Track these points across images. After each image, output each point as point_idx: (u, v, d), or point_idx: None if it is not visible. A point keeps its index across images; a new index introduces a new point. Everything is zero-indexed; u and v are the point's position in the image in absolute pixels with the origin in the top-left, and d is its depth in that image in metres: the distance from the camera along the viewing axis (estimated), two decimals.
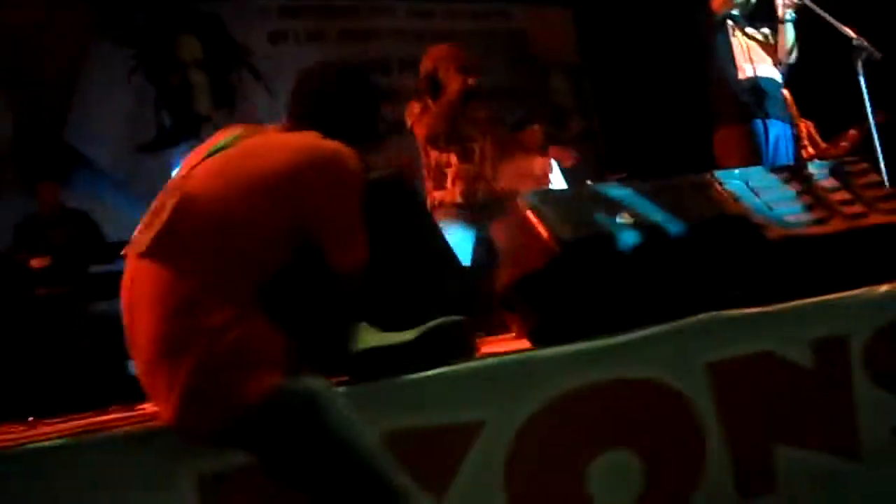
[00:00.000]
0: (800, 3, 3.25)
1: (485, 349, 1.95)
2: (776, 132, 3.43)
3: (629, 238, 1.89)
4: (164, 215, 1.35)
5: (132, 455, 1.43)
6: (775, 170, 2.45)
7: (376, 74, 7.08)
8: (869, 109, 3.16)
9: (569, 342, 1.79)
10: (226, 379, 1.27)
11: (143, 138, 6.34)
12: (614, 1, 7.36)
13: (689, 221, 1.97)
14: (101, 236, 4.45)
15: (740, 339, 1.89)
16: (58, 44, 6.04)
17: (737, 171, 2.41)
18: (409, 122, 3.87)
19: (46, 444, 1.47)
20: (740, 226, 2.05)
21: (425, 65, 3.91)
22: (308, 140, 1.52)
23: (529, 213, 1.89)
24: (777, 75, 3.50)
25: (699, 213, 2.02)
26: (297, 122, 1.63)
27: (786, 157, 3.44)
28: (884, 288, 2.04)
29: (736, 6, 3.41)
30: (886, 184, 2.73)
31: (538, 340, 1.93)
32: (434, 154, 3.84)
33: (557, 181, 5.41)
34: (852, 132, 4.76)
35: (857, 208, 2.29)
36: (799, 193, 2.32)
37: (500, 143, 4.41)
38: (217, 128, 4.71)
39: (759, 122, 3.32)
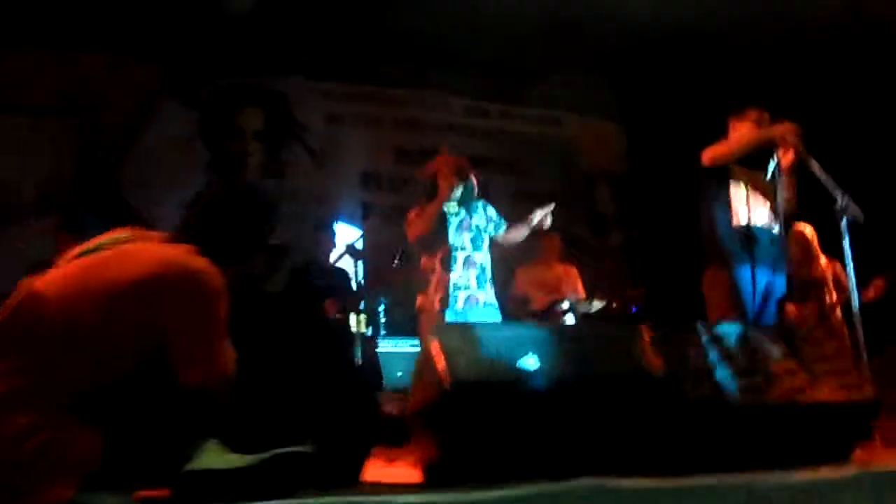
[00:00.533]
0: (799, 157, 3.22)
1: (373, 477, 1.94)
2: (765, 280, 3.35)
3: (530, 383, 1.88)
4: (4, 312, 1.40)
5: None
6: (731, 327, 2.41)
7: (426, 161, 7.32)
8: (851, 271, 3.06)
9: (452, 483, 1.77)
10: (14, 490, 1.28)
11: (188, 197, 6.61)
12: (667, 121, 7.42)
13: (600, 373, 1.95)
14: None
15: None
16: (128, 96, 6.48)
17: (699, 323, 2.37)
18: (405, 228, 3.98)
19: None
20: (653, 384, 2.00)
21: (428, 172, 4.03)
22: (174, 254, 1.58)
23: (434, 345, 1.91)
24: (774, 224, 3.45)
25: (614, 366, 1.99)
26: (181, 233, 1.69)
27: (773, 306, 3.35)
28: (798, 475, 1.94)
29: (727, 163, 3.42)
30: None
31: (429, 475, 1.92)
32: (423, 258, 3.92)
33: (576, 291, 5.39)
34: (879, 281, 4.56)
35: (798, 381, 2.21)
36: (746, 355, 2.26)
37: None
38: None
39: (745, 268, 3.25)
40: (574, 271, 5.47)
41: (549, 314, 4.86)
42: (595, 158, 7.95)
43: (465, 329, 1.96)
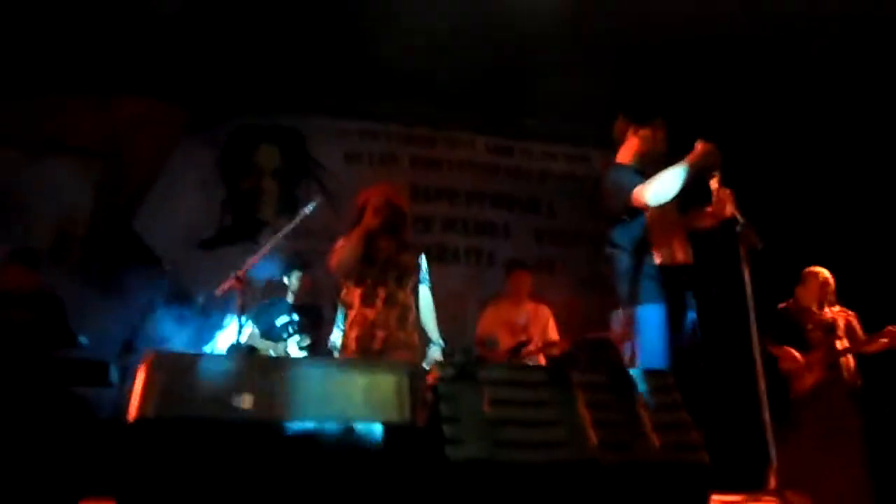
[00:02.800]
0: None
1: None
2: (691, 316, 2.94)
3: (231, 423, 1.61)
4: None
5: None
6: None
7: (441, 203, 7.14)
8: (750, 298, 2.64)
9: None
10: None
11: (203, 235, 6.71)
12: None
13: (325, 422, 1.64)
14: (65, 321, 4.63)
15: None
16: (151, 136, 6.66)
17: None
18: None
19: None
20: (403, 436, 1.68)
21: (359, 200, 3.80)
22: None
23: (140, 375, 1.68)
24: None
25: (352, 414, 1.68)
26: None
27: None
28: None
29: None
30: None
31: None
32: (343, 292, 3.68)
33: (546, 331, 4.99)
34: (892, 328, 4.02)
35: (618, 436, 1.81)
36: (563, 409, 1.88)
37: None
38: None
39: (658, 306, 2.84)
40: (546, 310, 5.07)
41: (514, 356, 4.48)
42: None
43: (183, 360, 1.71)
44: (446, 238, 7.05)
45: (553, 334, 4.97)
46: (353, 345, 3.50)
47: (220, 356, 1.71)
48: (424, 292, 3.83)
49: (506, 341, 4.73)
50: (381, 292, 3.60)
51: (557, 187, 7.38)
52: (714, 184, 2.97)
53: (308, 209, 3.72)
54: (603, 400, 1.86)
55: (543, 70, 6.39)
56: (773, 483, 2.28)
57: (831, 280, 4.49)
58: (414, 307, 3.71)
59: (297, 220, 3.61)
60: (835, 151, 6.19)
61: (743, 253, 2.71)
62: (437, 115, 7.20)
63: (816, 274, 4.53)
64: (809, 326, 4.39)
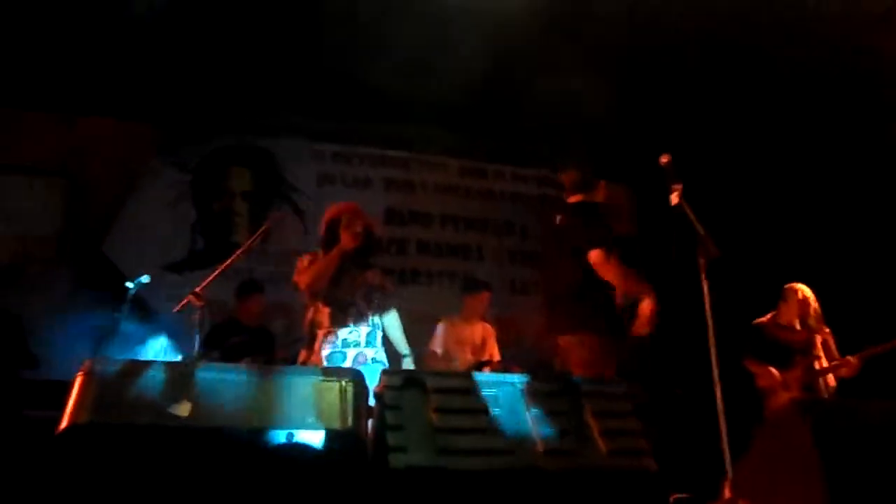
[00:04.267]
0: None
1: None
2: None
3: (172, 431, 1.56)
4: None
5: None
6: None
7: (415, 226, 7.14)
8: (709, 310, 2.64)
9: None
10: None
11: (173, 258, 6.63)
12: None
13: (258, 428, 1.60)
14: (24, 342, 4.55)
15: None
16: (117, 157, 6.59)
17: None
18: (294, 277, 3.72)
19: None
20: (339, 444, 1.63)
21: (325, 217, 3.79)
22: None
23: (78, 379, 1.63)
24: None
25: (282, 421, 1.64)
26: None
27: None
28: None
29: None
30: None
31: None
32: (311, 311, 3.65)
33: (492, 353, 5.01)
34: (851, 359, 4.03)
35: (564, 443, 1.78)
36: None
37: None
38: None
39: None
40: (491, 329, 5.11)
41: None
42: None
43: (118, 368, 1.67)
44: (420, 261, 7.04)
45: (496, 354, 5.00)
46: (323, 364, 3.48)
47: (158, 363, 1.66)
48: (391, 312, 3.83)
49: (464, 359, 4.71)
50: (352, 311, 3.58)
51: (532, 210, 7.40)
52: (675, 198, 2.98)
53: (263, 229, 3.70)
54: (551, 408, 1.83)
55: (521, 98, 6.44)
56: (727, 494, 2.26)
57: (812, 297, 4.45)
58: (381, 323, 3.71)
59: (253, 240, 3.58)
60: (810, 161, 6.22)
61: (702, 263, 2.70)
62: (411, 137, 7.21)
63: (796, 290, 4.48)
64: (787, 344, 4.37)
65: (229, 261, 3.25)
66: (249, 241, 3.61)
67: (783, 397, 4.06)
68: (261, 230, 3.71)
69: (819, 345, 4.37)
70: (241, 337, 4.46)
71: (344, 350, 3.54)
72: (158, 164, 6.73)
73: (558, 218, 3.49)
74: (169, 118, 6.70)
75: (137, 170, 6.67)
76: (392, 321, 3.82)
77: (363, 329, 3.60)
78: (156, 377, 1.64)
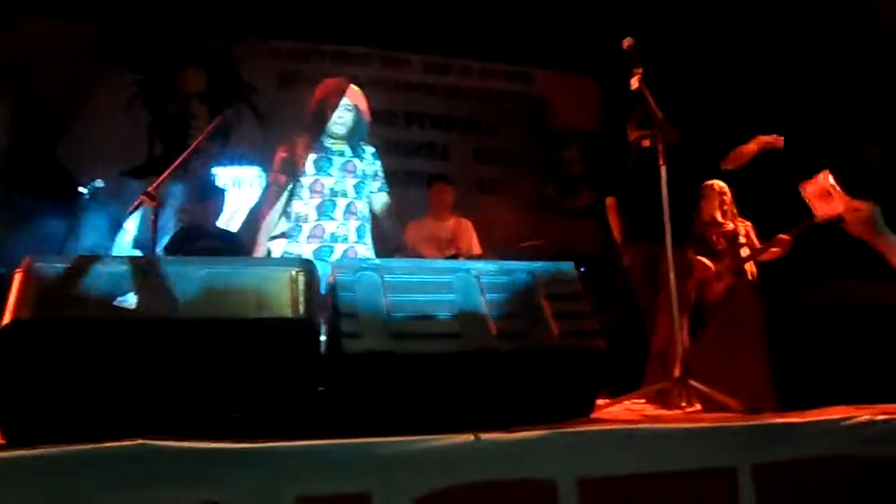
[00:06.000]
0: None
1: None
2: None
3: (117, 324, 1.54)
4: None
5: None
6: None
7: (379, 125, 6.99)
8: (665, 196, 2.65)
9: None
10: None
11: (131, 163, 6.47)
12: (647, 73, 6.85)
13: (210, 318, 1.58)
14: None
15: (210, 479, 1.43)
16: (64, 60, 6.29)
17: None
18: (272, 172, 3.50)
19: None
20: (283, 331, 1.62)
21: (315, 97, 3.53)
22: None
23: (18, 276, 1.59)
24: None
25: (232, 311, 1.61)
26: None
27: None
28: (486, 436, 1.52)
29: None
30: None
31: None
32: (299, 204, 3.45)
33: (470, 245, 4.99)
34: (784, 236, 4.15)
35: (516, 326, 1.80)
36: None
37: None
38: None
39: None
40: (468, 224, 5.06)
41: None
42: (566, 116, 7.42)
43: (61, 262, 1.62)
44: (384, 161, 6.90)
45: (476, 248, 4.97)
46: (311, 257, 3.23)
47: (103, 257, 1.61)
48: (383, 198, 3.63)
49: (430, 256, 4.69)
50: (340, 202, 3.40)
51: (498, 107, 7.28)
52: (635, 82, 2.91)
53: (213, 124, 3.54)
54: (504, 292, 1.84)
55: None
56: (677, 372, 2.32)
57: (728, 191, 4.61)
58: (370, 216, 3.52)
59: (204, 134, 3.44)
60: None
61: (660, 149, 2.67)
62: (373, 32, 6.96)
63: (712, 186, 4.62)
64: (714, 237, 4.53)
65: (180, 158, 3.15)
66: (200, 137, 3.47)
67: (718, 286, 4.23)
68: (212, 124, 3.57)
69: (742, 235, 4.53)
70: (210, 241, 4.38)
71: (332, 245, 3.36)
72: (107, 67, 6.45)
73: None
74: (115, 17, 6.38)
75: (85, 73, 6.39)
76: (384, 209, 3.62)
77: (353, 222, 3.40)
78: (102, 272, 1.60)
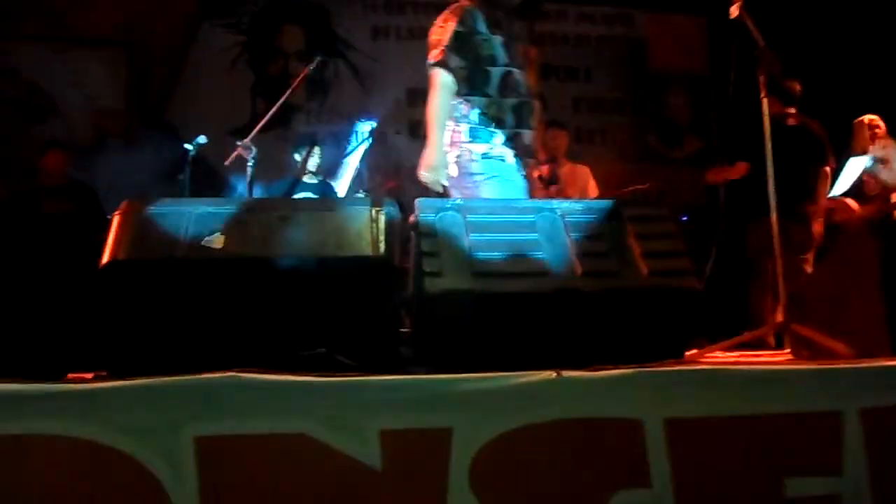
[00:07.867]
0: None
1: None
2: None
3: (201, 266, 1.58)
4: None
5: None
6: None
7: None
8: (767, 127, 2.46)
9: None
10: None
11: (236, 123, 6.66)
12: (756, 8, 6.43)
13: (296, 257, 1.60)
14: (101, 210, 4.70)
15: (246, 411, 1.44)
16: (168, 24, 6.52)
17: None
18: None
19: None
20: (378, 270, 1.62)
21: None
22: None
23: (114, 222, 1.66)
24: None
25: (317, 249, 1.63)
26: None
27: None
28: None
29: None
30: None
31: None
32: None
33: (585, 191, 4.84)
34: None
35: (603, 265, 1.73)
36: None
37: None
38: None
39: None
40: (585, 170, 4.91)
41: None
42: (669, 59, 7.07)
43: (156, 206, 1.68)
44: None
45: (593, 193, 4.84)
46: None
47: (193, 201, 1.68)
48: None
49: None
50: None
51: (596, 52, 7.02)
52: (734, 10, 2.73)
53: (310, 67, 3.57)
54: (591, 232, 1.77)
55: None
56: (779, 317, 2.19)
57: (882, 124, 4.21)
58: None
59: (297, 82, 3.49)
60: None
61: (762, 80, 2.49)
62: None
63: (862, 121, 4.26)
64: (866, 179, 4.19)
65: (273, 109, 3.22)
66: (297, 81, 3.52)
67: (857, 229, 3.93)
68: (302, 74, 3.62)
69: None
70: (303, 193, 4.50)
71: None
72: (209, 29, 6.63)
73: None
74: None
75: (189, 36, 6.60)
76: None
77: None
78: (192, 214, 1.65)
